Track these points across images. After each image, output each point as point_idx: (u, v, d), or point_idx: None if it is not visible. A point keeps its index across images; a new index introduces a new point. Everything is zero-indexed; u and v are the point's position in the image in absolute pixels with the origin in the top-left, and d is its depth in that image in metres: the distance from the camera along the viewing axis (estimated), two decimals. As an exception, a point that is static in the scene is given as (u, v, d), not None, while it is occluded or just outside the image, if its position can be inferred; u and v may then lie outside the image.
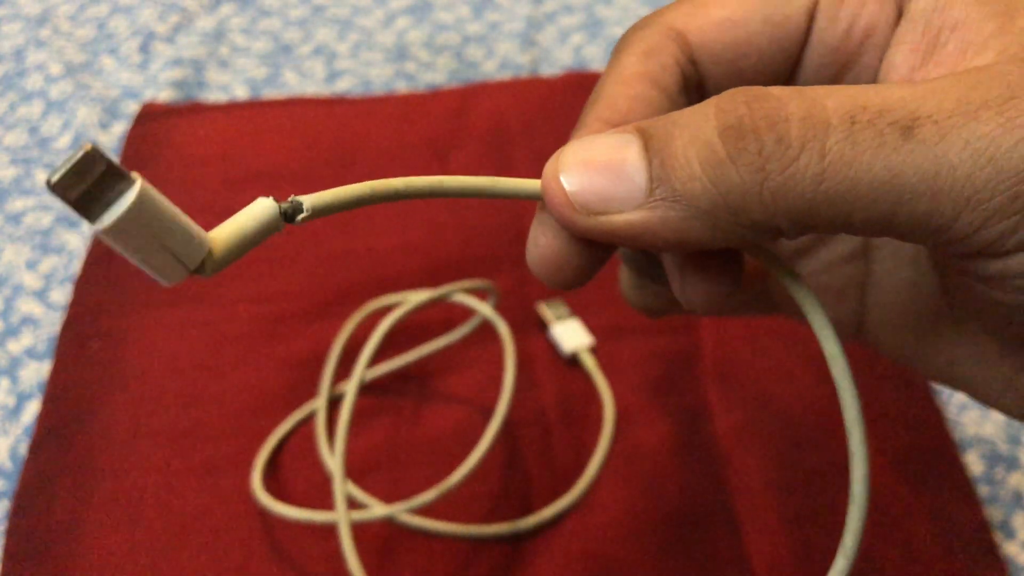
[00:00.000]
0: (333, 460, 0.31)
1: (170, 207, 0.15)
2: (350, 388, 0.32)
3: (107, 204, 0.15)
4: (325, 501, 0.35)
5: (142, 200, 0.15)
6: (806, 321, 0.24)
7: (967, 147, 0.13)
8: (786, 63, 0.19)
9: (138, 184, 0.15)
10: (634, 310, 0.40)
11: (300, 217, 0.16)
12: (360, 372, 0.33)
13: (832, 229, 0.15)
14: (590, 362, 0.39)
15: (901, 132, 0.14)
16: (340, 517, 0.31)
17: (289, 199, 0.16)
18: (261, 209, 0.16)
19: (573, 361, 0.40)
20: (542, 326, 0.41)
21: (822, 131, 0.14)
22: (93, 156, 0.14)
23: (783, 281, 0.19)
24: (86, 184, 0.14)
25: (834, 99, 0.14)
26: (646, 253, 0.21)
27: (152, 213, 0.15)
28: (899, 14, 0.18)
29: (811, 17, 0.19)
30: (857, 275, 0.23)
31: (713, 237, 0.15)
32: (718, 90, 0.16)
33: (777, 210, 0.14)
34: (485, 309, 0.36)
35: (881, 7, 0.18)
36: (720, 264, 0.18)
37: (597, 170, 0.16)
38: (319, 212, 0.16)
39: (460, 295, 0.35)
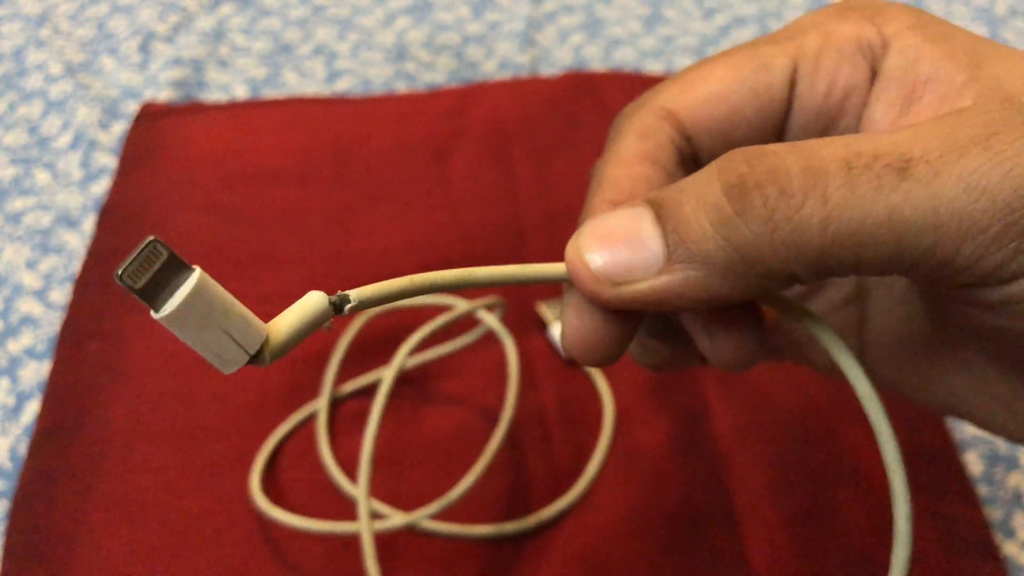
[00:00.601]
0: (359, 469, 0.31)
1: (228, 296, 0.17)
2: (377, 403, 0.32)
3: (170, 292, 0.16)
4: (327, 503, 0.35)
5: (200, 289, 0.16)
6: (809, 365, 0.24)
7: (960, 182, 0.14)
8: (774, 129, 0.20)
9: (196, 274, 0.16)
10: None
11: (348, 308, 0.18)
12: (398, 363, 0.33)
13: (844, 271, 0.16)
14: None
15: (896, 173, 0.14)
16: (363, 527, 0.31)
17: (337, 294, 0.18)
18: (313, 302, 0.18)
19: (573, 361, 0.40)
20: (542, 326, 0.41)
21: (822, 179, 0.15)
22: (155, 247, 0.16)
23: (807, 326, 0.20)
24: (150, 273, 0.16)
25: (828, 149, 0.15)
26: (659, 315, 0.22)
27: (209, 301, 0.17)
28: (873, 74, 0.19)
29: (792, 84, 0.20)
30: (853, 317, 0.24)
31: (733, 290, 0.16)
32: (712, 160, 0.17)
33: (790, 257, 0.15)
34: (491, 321, 0.36)
35: (855, 69, 0.19)
36: (743, 318, 0.19)
37: (616, 244, 0.16)
38: (364, 304, 0.18)
39: (467, 303, 0.35)
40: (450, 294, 0.35)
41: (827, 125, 0.20)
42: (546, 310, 0.41)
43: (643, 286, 0.16)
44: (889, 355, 0.23)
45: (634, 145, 0.20)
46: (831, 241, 0.15)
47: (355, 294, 0.18)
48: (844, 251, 0.15)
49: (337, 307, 0.18)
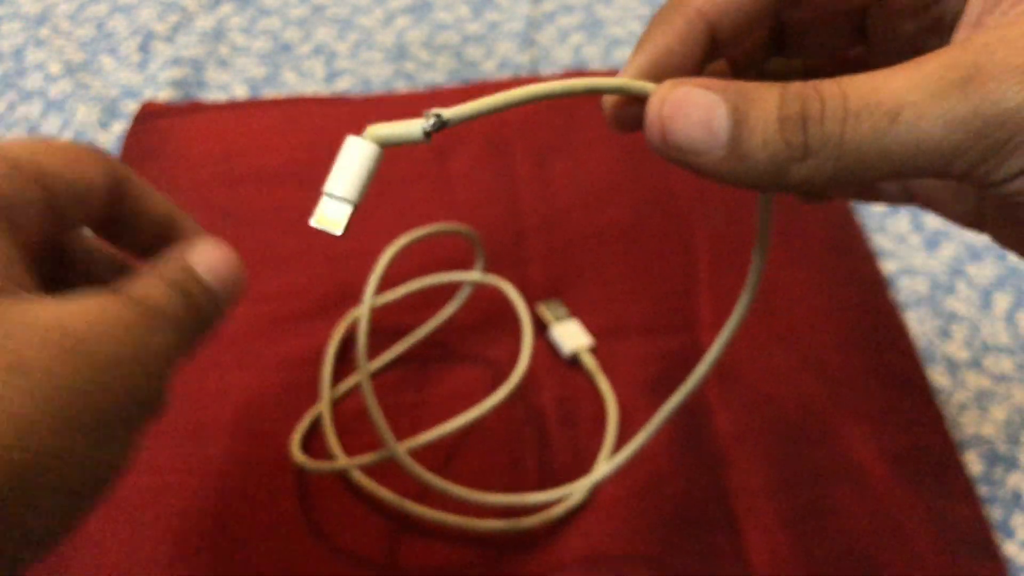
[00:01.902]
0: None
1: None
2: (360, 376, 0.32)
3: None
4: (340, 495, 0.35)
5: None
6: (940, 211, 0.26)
7: (939, 120, 0.19)
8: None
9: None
10: (633, 310, 0.40)
11: (440, 124, 0.21)
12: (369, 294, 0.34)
13: (859, 184, 0.21)
14: (590, 362, 0.39)
15: (888, 118, 0.19)
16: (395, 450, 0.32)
17: (430, 114, 0.21)
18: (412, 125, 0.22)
19: (573, 361, 0.40)
20: (541, 327, 0.41)
21: (839, 121, 0.19)
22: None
23: None
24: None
25: (855, 94, 0.19)
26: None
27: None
28: None
29: None
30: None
31: (767, 187, 0.20)
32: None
33: (811, 176, 0.20)
34: (475, 275, 0.38)
35: None
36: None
37: (692, 121, 0.20)
38: (457, 122, 0.21)
39: (446, 276, 0.38)
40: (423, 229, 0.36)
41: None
42: (545, 311, 0.41)
43: (699, 159, 0.20)
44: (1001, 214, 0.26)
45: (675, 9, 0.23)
46: (842, 167, 0.19)
47: (448, 113, 0.21)
48: (854, 174, 0.19)
49: (433, 127, 0.21)
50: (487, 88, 0.52)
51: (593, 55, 0.55)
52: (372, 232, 0.44)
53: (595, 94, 0.22)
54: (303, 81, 0.53)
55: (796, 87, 0.20)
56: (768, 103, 0.20)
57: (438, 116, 0.21)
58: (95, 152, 0.24)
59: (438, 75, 0.54)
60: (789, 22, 0.25)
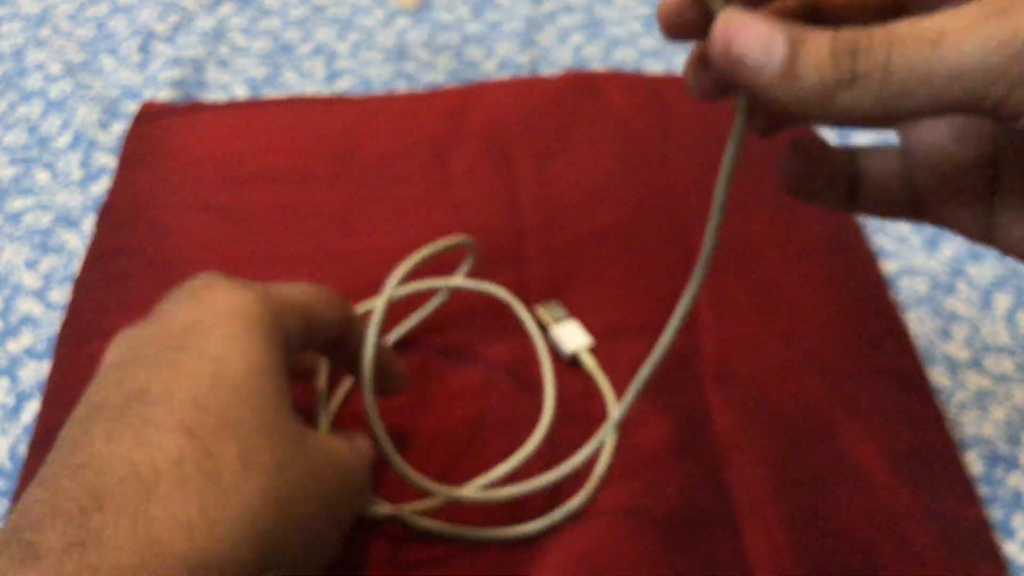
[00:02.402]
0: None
1: None
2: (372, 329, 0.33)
3: None
4: None
5: None
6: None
7: (979, 43, 0.19)
8: None
9: None
10: (633, 310, 0.40)
11: None
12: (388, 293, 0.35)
13: (904, 117, 0.21)
14: (590, 362, 0.39)
15: (931, 45, 0.20)
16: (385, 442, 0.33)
17: None
18: None
19: (573, 362, 0.40)
20: (542, 328, 0.41)
21: (885, 51, 0.20)
22: None
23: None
24: None
25: (901, 29, 0.21)
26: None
27: None
28: None
29: None
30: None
31: (811, 115, 0.22)
32: None
33: (861, 104, 0.21)
34: (457, 280, 0.39)
35: None
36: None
37: (753, 40, 0.21)
38: None
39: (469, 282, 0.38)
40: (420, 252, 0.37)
41: None
42: (544, 313, 0.41)
43: (756, 73, 0.21)
44: (937, 185, 0.27)
45: None
46: (886, 96, 0.20)
47: None
48: (897, 104, 0.21)
49: None
50: (487, 88, 0.52)
51: (593, 55, 0.55)
52: (372, 233, 0.44)
53: None
54: (303, 81, 0.53)
55: (848, 30, 0.21)
56: (822, 37, 0.21)
57: None
58: (338, 296, 0.32)
59: (438, 75, 0.54)
60: None
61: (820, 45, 0.21)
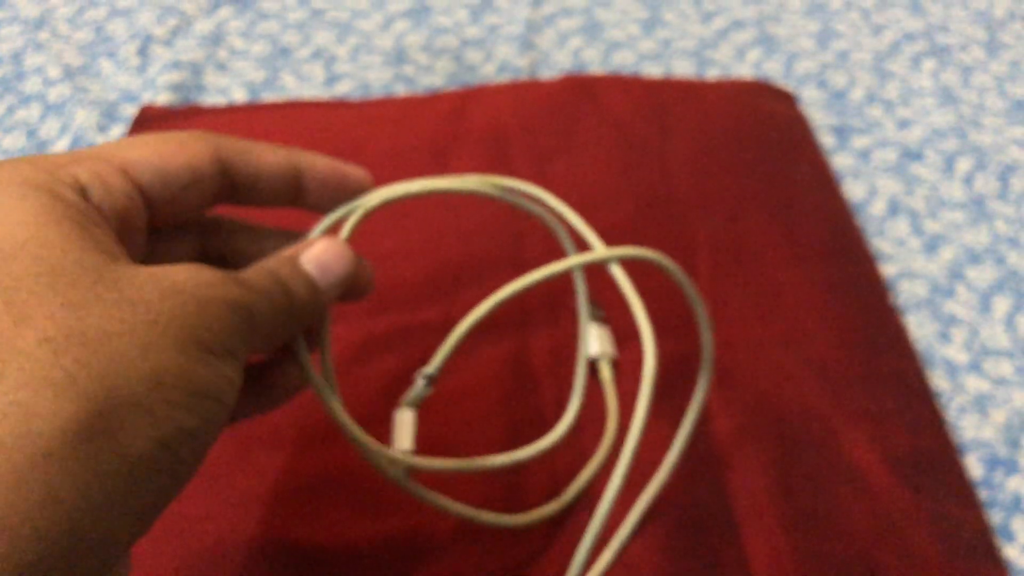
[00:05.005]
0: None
1: None
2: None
3: None
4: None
5: None
6: None
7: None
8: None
9: None
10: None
11: None
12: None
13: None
14: (607, 373, 0.39)
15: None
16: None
17: None
18: None
19: (591, 366, 0.39)
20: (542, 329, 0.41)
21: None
22: None
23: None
24: None
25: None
26: None
27: None
28: None
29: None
30: None
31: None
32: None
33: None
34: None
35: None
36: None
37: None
38: None
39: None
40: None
41: None
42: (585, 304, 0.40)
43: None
44: None
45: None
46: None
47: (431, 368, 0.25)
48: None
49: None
50: (486, 92, 0.52)
51: (592, 58, 0.56)
52: (372, 233, 0.44)
53: None
54: (302, 85, 0.53)
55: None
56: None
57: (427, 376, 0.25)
58: (187, 136, 0.26)
59: (437, 79, 0.54)
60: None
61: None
